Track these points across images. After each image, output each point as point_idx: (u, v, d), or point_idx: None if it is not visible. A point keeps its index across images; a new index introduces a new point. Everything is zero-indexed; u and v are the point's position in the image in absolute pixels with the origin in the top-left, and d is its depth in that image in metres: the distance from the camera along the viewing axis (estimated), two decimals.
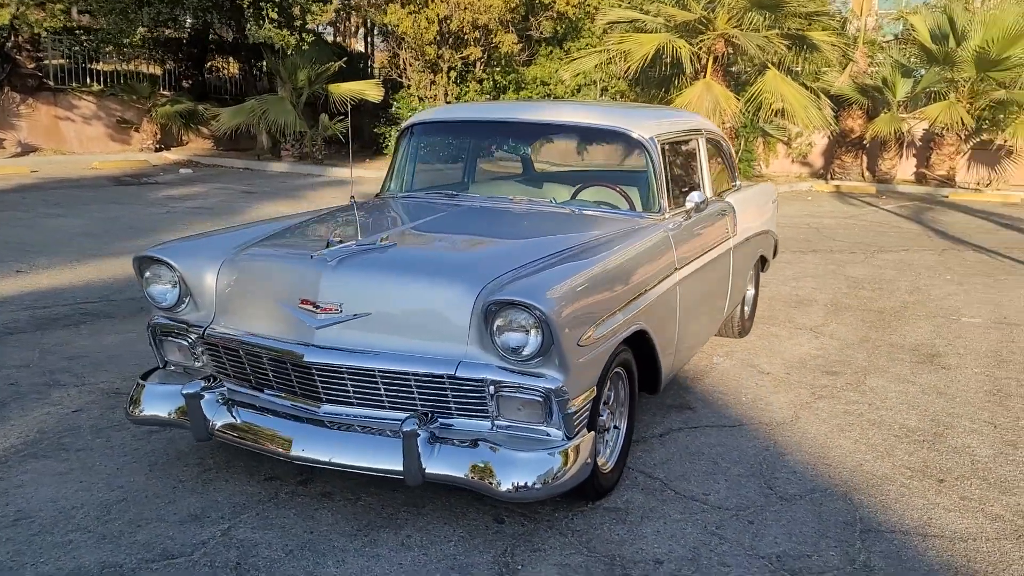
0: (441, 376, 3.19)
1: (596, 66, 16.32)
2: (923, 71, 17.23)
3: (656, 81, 16.63)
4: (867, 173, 18.45)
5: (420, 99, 19.85)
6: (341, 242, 3.50)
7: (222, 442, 3.56)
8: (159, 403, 3.68)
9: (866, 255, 10.24)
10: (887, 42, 19.23)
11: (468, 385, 3.19)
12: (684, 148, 4.91)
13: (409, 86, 19.91)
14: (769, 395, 5.08)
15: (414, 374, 3.22)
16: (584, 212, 4.36)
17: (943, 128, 16.52)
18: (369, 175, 17.93)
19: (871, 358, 5.89)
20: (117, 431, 4.28)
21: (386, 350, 3.27)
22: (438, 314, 3.26)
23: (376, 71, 22.51)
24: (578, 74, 16.68)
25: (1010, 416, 4.82)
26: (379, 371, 3.26)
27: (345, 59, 19.44)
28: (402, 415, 3.30)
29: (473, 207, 4.40)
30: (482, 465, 3.12)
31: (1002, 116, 16.62)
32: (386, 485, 3.69)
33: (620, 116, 4.73)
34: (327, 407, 3.40)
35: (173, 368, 3.88)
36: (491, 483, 3.10)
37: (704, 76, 15.23)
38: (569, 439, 3.18)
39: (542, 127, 4.90)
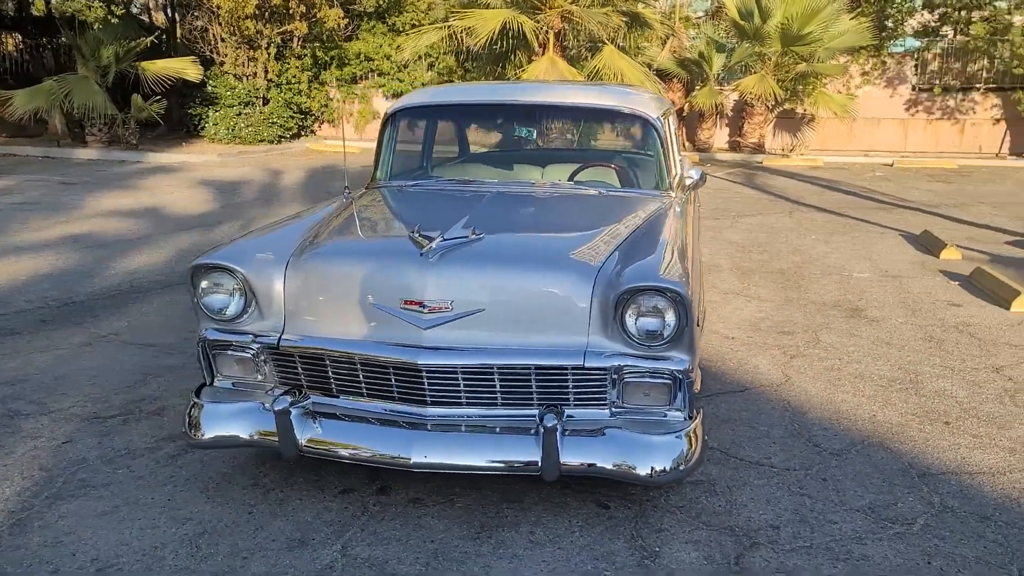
0: (565, 368, 3.15)
1: (433, 44, 16.17)
2: (731, 46, 18.45)
3: (492, 57, 16.75)
4: (687, 143, 19.59)
5: (237, 77, 18.85)
6: (422, 235, 3.35)
7: (312, 457, 3.32)
8: (230, 423, 3.36)
9: (730, 220, 10.93)
10: (698, 18, 20.41)
11: (593, 374, 3.17)
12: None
13: (223, 63, 18.83)
14: (749, 358, 5.37)
15: (537, 368, 3.16)
16: (611, 193, 4.40)
17: (754, 99, 17.83)
18: (194, 160, 16.86)
19: (808, 316, 6.36)
20: (133, 459, 3.86)
21: (501, 346, 3.18)
22: (554, 305, 3.20)
23: (179, 47, 21.04)
24: (416, 50, 16.43)
25: (956, 359, 5.40)
26: (498, 368, 3.16)
27: (158, 33, 18.06)
28: (515, 411, 3.24)
29: (503, 194, 4.29)
30: (617, 453, 3.12)
31: (802, 87, 18.15)
32: (468, 484, 3.59)
33: (623, 96, 4.80)
34: (433, 409, 3.26)
35: (220, 384, 3.55)
36: (629, 470, 3.12)
37: (546, 52, 15.52)
38: (690, 420, 3.24)
39: (549, 109, 4.86)
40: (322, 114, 21.16)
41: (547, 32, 15.50)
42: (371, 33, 20.99)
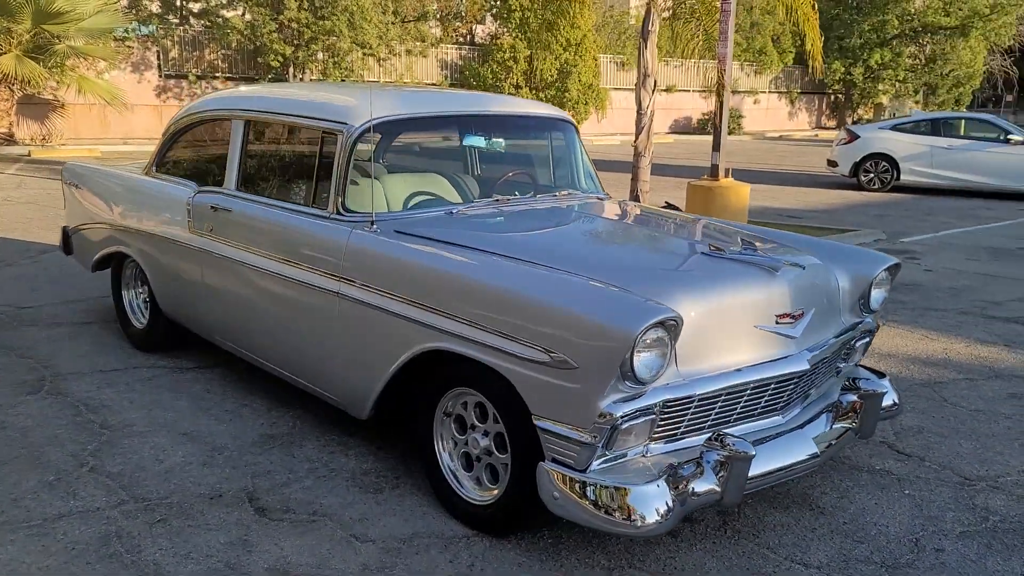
0: (848, 344, 3.74)
1: None
2: None
3: None
4: None
5: None
6: (716, 248, 3.50)
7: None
8: (665, 496, 2.86)
9: None
10: None
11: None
12: None
13: None
14: None
15: (838, 350, 3.66)
16: (605, 199, 4.58)
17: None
18: None
19: None
20: None
21: (823, 338, 3.53)
22: (833, 294, 3.70)
23: None
24: None
25: None
26: (825, 359, 3.53)
27: None
28: (800, 399, 3.64)
29: (548, 209, 4.18)
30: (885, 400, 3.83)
31: (59, 69, 16.55)
32: None
33: (546, 106, 4.85)
34: (784, 416, 3.43)
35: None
36: (893, 410, 3.93)
37: None
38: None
39: (506, 119, 4.51)
40: None
41: None
42: None
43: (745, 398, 3.22)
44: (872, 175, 15.04)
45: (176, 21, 19.43)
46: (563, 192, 4.44)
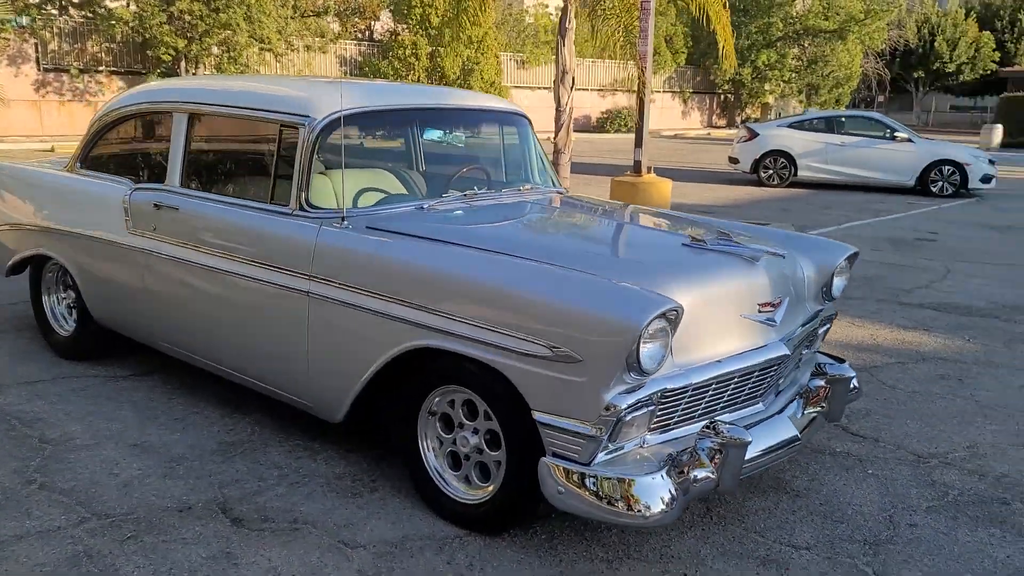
0: (814, 332, 3.83)
1: None
2: None
3: None
4: None
5: None
6: (697, 240, 3.51)
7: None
8: (668, 485, 2.86)
9: None
10: None
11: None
12: None
13: None
14: None
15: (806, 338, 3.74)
16: (565, 193, 4.56)
17: None
18: None
19: None
20: None
21: (794, 326, 3.61)
22: (800, 283, 3.76)
23: None
24: None
25: None
26: (794, 347, 3.61)
27: None
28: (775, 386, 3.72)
29: (517, 203, 4.11)
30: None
31: None
32: None
33: (500, 99, 4.76)
34: (762, 403, 3.49)
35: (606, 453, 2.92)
36: (857, 391, 4.04)
37: None
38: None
39: (468, 113, 4.39)
40: None
41: None
42: None
43: (733, 386, 3.26)
44: (771, 171, 15.61)
45: (55, 12, 18.37)
46: (526, 186, 4.39)
